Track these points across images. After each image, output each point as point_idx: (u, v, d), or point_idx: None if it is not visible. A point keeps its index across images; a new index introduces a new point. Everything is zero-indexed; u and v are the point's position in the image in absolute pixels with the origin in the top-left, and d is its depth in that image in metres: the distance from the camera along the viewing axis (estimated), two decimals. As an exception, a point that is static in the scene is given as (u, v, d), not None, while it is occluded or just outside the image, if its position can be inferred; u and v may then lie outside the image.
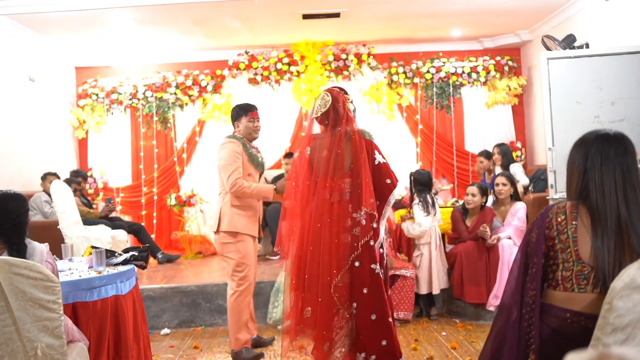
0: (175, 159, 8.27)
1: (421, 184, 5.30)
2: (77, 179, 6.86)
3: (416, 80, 8.25)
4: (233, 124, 4.31)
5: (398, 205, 5.46)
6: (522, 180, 6.58)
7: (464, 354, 4.19)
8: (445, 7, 6.77)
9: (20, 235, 2.66)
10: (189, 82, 8.18)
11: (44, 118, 7.45)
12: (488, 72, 8.18)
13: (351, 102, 3.61)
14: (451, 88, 8.26)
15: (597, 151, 2.08)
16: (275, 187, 4.18)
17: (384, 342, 3.29)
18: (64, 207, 5.83)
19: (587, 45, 5.68)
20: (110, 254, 3.64)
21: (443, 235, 5.52)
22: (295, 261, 3.49)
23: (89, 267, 3.46)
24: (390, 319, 3.34)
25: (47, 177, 6.55)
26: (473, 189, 5.28)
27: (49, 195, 6.08)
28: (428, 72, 8.18)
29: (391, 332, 3.31)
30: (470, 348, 4.33)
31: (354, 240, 3.34)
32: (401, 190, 3.59)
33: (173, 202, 7.86)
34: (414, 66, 8.22)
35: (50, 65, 7.74)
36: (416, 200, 5.24)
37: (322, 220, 3.39)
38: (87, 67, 8.47)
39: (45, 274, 2.44)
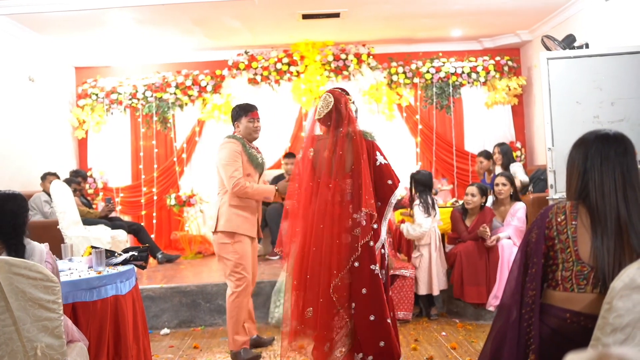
0: (175, 159, 8.27)
1: (422, 184, 5.30)
2: (77, 179, 6.86)
3: (416, 80, 8.25)
4: (233, 124, 4.30)
5: (398, 205, 5.45)
6: (522, 177, 6.59)
7: (464, 354, 4.19)
8: (445, 7, 6.77)
9: (18, 236, 2.66)
10: (188, 82, 8.18)
11: (43, 118, 7.45)
12: (488, 72, 8.18)
13: (353, 102, 3.62)
14: (451, 88, 8.27)
15: (597, 151, 2.08)
16: (276, 188, 4.18)
17: (381, 343, 3.29)
18: (64, 207, 5.83)
19: (587, 46, 5.68)
20: (110, 254, 3.64)
21: (443, 236, 5.52)
22: (297, 261, 3.49)
23: (89, 267, 3.46)
24: (389, 320, 3.33)
25: (47, 177, 6.55)
26: (472, 189, 5.28)
27: (49, 195, 6.08)
28: (428, 72, 8.18)
29: (389, 333, 3.31)
30: (470, 348, 4.33)
31: (354, 241, 3.34)
32: (401, 190, 3.58)
33: (173, 202, 7.86)
34: (413, 66, 8.22)
35: (50, 65, 7.74)
36: (417, 201, 5.24)
37: (325, 221, 3.40)
38: (86, 67, 8.47)
39: (45, 274, 2.44)
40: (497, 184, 5.34)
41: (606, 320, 1.79)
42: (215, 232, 4.18)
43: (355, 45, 8.18)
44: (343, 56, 8.09)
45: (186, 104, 8.26)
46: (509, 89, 8.14)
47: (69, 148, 8.23)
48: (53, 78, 7.83)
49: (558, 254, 2.08)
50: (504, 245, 5.02)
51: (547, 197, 5.18)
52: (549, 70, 5.06)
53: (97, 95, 8.23)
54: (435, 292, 5.19)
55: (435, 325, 5.04)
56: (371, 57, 8.16)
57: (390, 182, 3.45)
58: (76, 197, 6.37)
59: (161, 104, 8.24)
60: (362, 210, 3.34)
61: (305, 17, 6.88)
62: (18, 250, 2.59)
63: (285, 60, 8.09)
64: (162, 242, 7.96)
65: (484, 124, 8.27)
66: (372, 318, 3.30)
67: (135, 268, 3.59)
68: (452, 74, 8.19)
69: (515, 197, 5.35)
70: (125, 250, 3.78)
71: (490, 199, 5.54)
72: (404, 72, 8.21)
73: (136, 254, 3.68)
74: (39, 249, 2.71)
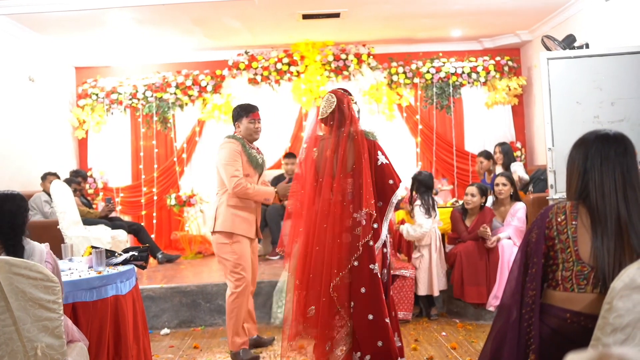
0: (175, 159, 8.27)
1: (424, 185, 5.31)
2: (77, 179, 6.86)
3: (416, 80, 8.25)
4: (234, 124, 4.29)
5: (399, 206, 5.45)
6: (523, 175, 6.61)
7: (464, 354, 4.19)
8: (445, 7, 6.77)
9: (17, 236, 2.65)
10: (188, 82, 8.18)
11: (43, 118, 7.45)
12: (488, 72, 8.18)
13: (355, 103, 3.62)
14: (451, 88, 8.26)
15: (597, 151, 2.08)
16: (276, 190, 4.17)
17: (379, 343, 3.29)
18: (64, 207, 5.83)
19: (587, 46, 5.68)
20: (110, 254, 3.64)
21: (443, 236, 5.52)
22: (300, 261, 3.50)
23: (89, 267, 3.46)
24: (387, 320, 3.33)
25: (47, 177, 6.55)
26: (472, 189, 5.28)
27: (49, 195, 6.08)
28: (428, 72, 8.18)
29: (387, 333, 3.31)
30: (470, 348, 4.33)
31: (355, 240, 3.35)
32: (402, 191, 3.58)
33: (173, 202, 7.86)
34: (413, 66, 8.22)
35: (50, 65, 7.74)
36: (418, 202, 5.24)
37: (328, 221, 3.41)
38: (87, 67, 8.47)
39: (45, 274, 2.44)
40: (497, 184, 5.34)
41: (606, 320, 1.79)
42: (213, 232, 4.18)
43: (356, 45, 8.18)
44: (343, 56, 8.09)
45: (186, 104, 8.26)
46: (509, 89, 8.14)
47: (69, 148, 8.23)
48: (53, 78, 7.83)
49: (558, 254, 2.08)
50: (504, 245, 5.02)
51: (547, 197, 5.18)
52: (549, 71, 5.06)
53: (97, 95, 8.23)
54: (435, 293, 5.19)
55: (436, 325, 5.04)
56: (371, 57, 8.16)
57: (391, 181, 3.46)
58: (76, 197, 6.37)
59: (161, 104, 8.24)
60: (363, 210, 3.35)
61: (305, 17, 6.88)
62: (16, 251, 2.58)
63: (286, 60, 8.09)
64: (162, 242, 7.95)
65: (484, 124, 8.27)
66: (370, 317, 3.30)
67: (136, 268, 3.59)
68: (452, 74, 8.19)
69: (515, 197, 5.35)
70: (126, 250, 3.78)
71: (490, 199, 5.54)
72: (404, 72, 8.21)
73: (136, 254, 3.68)
74: (39, 249, 2.71)
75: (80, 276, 3.22)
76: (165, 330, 5.14)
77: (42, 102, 7.41)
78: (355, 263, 3.33)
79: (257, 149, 4.31)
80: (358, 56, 8.11)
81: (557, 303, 2.06)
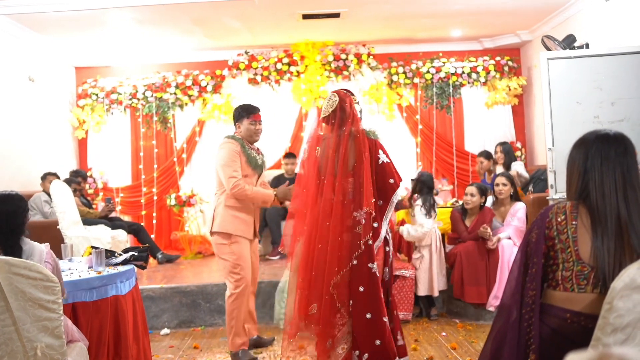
0: (175, 159, 8.27)
1: (427, 186, 5.33)
2: (77, 179, 6.86)
3: (416, 80, 8.24)
4: (234, 124, 4.28)
5: (399, 206, 5.45)
6: (523, 172, 6.62)
7: (464, 354, 4.19)
8: (445, 7, 6.77)
9: (14, 237, 2.65)
10: (188, 82, 8.18)
11: (43, 118, 7.44)
12: (488, 72, 8.18)
13: (357, 103, 3.63)
14: (451, 88, 8.26)
15: (597, 151, 2.08)
16: (275, 193, 4.16)
17: (377, 342, 3.30)
18: (64, 207, 5.83)
19: (587, 46, 5.68)
20: (110, 254, 3.64)
21: (443, 236, 5.52)
22: (303, 259, 3.51)
23: (89, 267, 3.46)
24: (385, 319, 3.34)
25: (47, 177, 6.54)
26: (472, 189, 5.28)
27: (49, 195, 6.08)
28: (428, 72, 8.18)
29: (384, 332, 3.31)
30: (470, 348, 4.33)
31: (356, 238, 3.36)
32: (402, 191, 3.59)
33: (173, 202, 7.86)
34: (413, 66, 8.21)
35: (50, 65, 7.74)
36: (419, 202, 5.24)
37: (330, 219, 3.42)
38: (87, 67, 8.47)
39: (45, 274, 2.44)
40: (497, 184, 5.34)
41: (607, 320, 1.79)
42: (212, 233, 4.18)
43: (356, 45, 8.18)
44: (343, 56, 8.09)
45: (186, 104, 8.26)
46: (509, 89, 8.13)
47: (69, 148, 8.23)
48: (53, 78, 7.83)
49: (558, 253, 2.08)
50: (504, 245, 5.02)
51: (547, 197, 5.18)
52: (549, 71, 5.05)
53: (97, 95, 8.23)
54: (435, 293, 5.19)
55: (436, 325, 5.04)
56: (371, 57, 8.16)
57: (392, 180, 3.46)
58: (76, 197, 6.37)
59: (161, 104, 8.24)
60: (363, 209, 3.35)
61: (305, 17, 6.88)
62: (14, 252, 2.58)
63: (286, 60, 8.09)
64: (162, 242, 7.95)
65: (484, 124, 8.27)
66: (368, 316, 3.31)
67: (135, 268, 3.59)
68: (453, 74, 8.19)
69: (515, 197, 5.35)
70: (125, 251, 3.78)
71: (491, 199, 5.54)
72: (404, 72, 8.21)
73: (136, 254, 3.68)
74: (39, 249, 2.71)
75: (80, 276, 3.22)
76: (165, 331, 5.14)
77: (42, 102, 7.41)
78: (355, 262, 3.34)
79: (257, 149, 4.29)
80: (358, 56, 8.11)
81: (557, 303, 2.06)
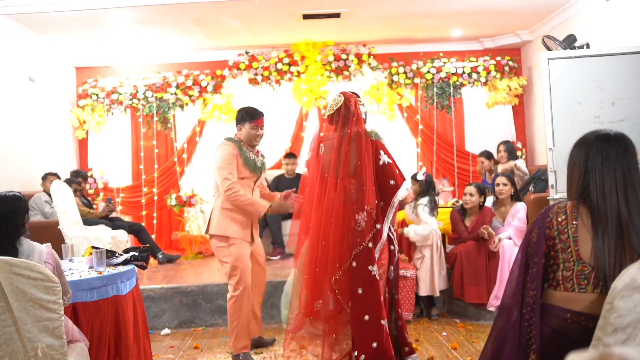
0: (176, 159, 8.27)
1: (432, 186, 5.37)
2: (78, 179, 6.86)
3: (416, 80, 8.25)
4: (236, 125, 4.24)
5: (403, 204, 5.46)
6: (523, 168, 6.63)
7: (465, 354, 4.19)
8: (445, 7, 6.77)
9: (9, 239, 2.64)
10: (189, 82, 8.18)
11: (44, 118, 7.45)
12: (488, 72, 8.18)
13: (362, 105, 3.64)
14: (451, 88, 8.26)
15: (597, 151, 2.08)
16: (270, 205, 4.10)
17: (374, 344, 3.31)
18: (64, 207, 5.82)
19: (588, 46, 5.68)
20: (110, 254, 3.64)
21: (443, 236, 5.52)
22: (308, 257, 3.53)
23: (90, 268, 3.46)
24: (384, 322, 3.35)
25: (48, 177, 6.54)
26: (471, 189, 5.29)
27: (50, 195, 6.08)
28: (428, 72, 8.18)
29: (382, 335, 3.32)
30: (471, 348, 4.33)
31: (357, 236, 3.37)
32: (403, 191, 3.59)
33: (173, 202, 7.86)
34: (414, 66, 8.22)
35: (50, 65, 7.74)
36: (423, 201, 5.25)
37: (332, 218, 3.43)
38: (87, 67, 8.47)
39: (46, 274, 2.44)
40: (498, 184, 5.34)
41: (607, 320, 1.79)
42: (210, 235, 4.17)
43: (356, 45, 8.18)
44: (344, 56, 8.09)
45: (187, 104, 8.26)
46: (510, 89, 8.13)
47: (70, 148, 8.23)
48: (53, 78, 7.83)
49: (559, 253, 2.08)
50: (505, 245, 5.02)
51: (547, 197, 5.17)
52: (550, 71, 5.05)
53: (97, 95, 8.23)
54: (437, 294, 5.19)
55: (436, 325, 5.04)
56: (372, 57, 8.16)
57: (392, 182, 3.46)
58: (77, 198, 6.37)
59: (162, 104, 8.25)
60: (364, 210, 3.36)
61: (305, 17, 6.88)
62: (9, 254, 2.56)
63: (286, 60, 8.09)
64: (162, 242, 7.95)
65: (484, 124, 8.27)
66: (366, 318, 3.33)
67: (136, 268, 3.59)
68: (453, 74, 8.19)
69: (516, 197, 5.35)
70: (126, 251, 3.78)
71: (491, 199, 5.54)
72: (405, 72, 8.21)
73: (137, 254, 3.68)
74: (39, 249, 2.71)
75: (80, 276, 3.22)
76: (166, 331, 5.14)
77: (42, 102, 7.41)
78: (355, 264, 3.35)
79: (257, 151, 4.26)
80: (358, 56, 8.11)
81: (557, 303, 2.06)
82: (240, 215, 4.09)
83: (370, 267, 3.35)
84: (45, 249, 2.74)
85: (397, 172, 3.51)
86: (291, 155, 7.53)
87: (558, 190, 4.92)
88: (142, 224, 7.45)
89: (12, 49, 6.78)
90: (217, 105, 8.04)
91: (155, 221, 8.19)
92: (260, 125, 4.18)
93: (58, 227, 5.77)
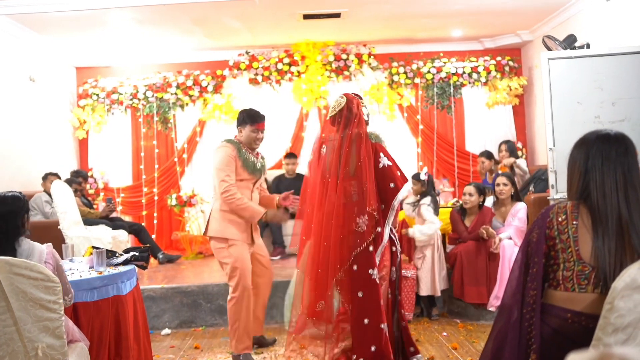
0: (176, 159, 8.27)
1: (433, 186, 5.37)
2: (78, 179, 6.85)
3: (417, 80, 8.25)
4: (237, 127, 4.21)
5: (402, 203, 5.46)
6: (524, 167, 6.63)
7: (465, 355, 4.19)
8: (446, 7, 6.77)
9: (8, 240, 2.64)
10: (189, 82, 8.18)
11: (44, 118, 7.45)
12: (489, 72, 8.18)
13: (365, 106, 3.64)
14: (452, 88, 8.26)
15: (598, 151, 2.08)
16: (265, 213, 4.08)
17: (372, 348, 3.32)
18: (65, 208, 5.82)
19: (588, 46, 5.68)
20: (110, 254, 3.64)
21: (443, 236, 5.52)
22: (310, 257, 3.54)
23: (90, 268, 3.46)
24: (383, 326, 3.35)
25: (48, 177, 6.54)
26: (470, 189, 5.29)
27: (50, 195, 6.08)
28: (429, 72, 8.18)
29: (381, 339, 3.33)
30: (471, 348, 4.33)
31: (357, 237, 3.38)
32: (404, 193, 3.58)
33: (174, 202, 7.86)
34: (414, 66, 8.22)
35: (50, 65, 7.74)
36: (426, 201, 5.25)
37: (334, 220, 3.44)
38: (87, 67, 8.47)
39: (46, 274, 2.44)
40: (498, 184, 5.34)
41: (608, 320, 1.79)
42: (205, 235, 4.16)
43: (356, 45, 8.18)
44: (344, 56, 8.09)
45: (187, 104, 8.27)
46: (510, 89, 8.13)
47: (70, 148, 8.23)
48: (54, 78, 7.83)
49: (559, 253, 2.08)
50: (505, 245, 5.02)
51: (548, 197, 5.17)
52: (550, 71, 5.05)
53: (97, 95, 8.24)
54: (438, 293, 5.19)
55: (436, 325, 5.04)
56: (372, 57, 8.16)
57: (392, 185, 3.45)
58: (77, 198, 6.37)
59: (162, 104, 8.25)
60: (365, 214, 3.36)
61: (306, 17, 6.88)
62: (8, 255, 2.55)
63: (286, 60, 8.09)
64: (163, 242, 7.95)
65: (485, 124, 8.28)
66: (366, 322, 3.33)
67: (136, 268, 3.59)
68: (453, 74, 8.19)
69: (516, 197, 5.35)
70: (126, 251, 3.79)
71: (492, 199, 5.54)
72: (405, 72, 8.22)
73: (137, 254, 3.69)
74: (39, 249, 2.70)
75: (81, 276, 3.22)
76: (166, 331, 5.14)
77: (42, 102, 7.41)
78: (355, 267, 3.36)
79: (257, 153, 4.23)
80: (359, 56, 8.12)
81: (558, 303, 2.06)
82: (238, 218, 4.08)
83: (370, 271, 3.36)
84: (46, 249, 2.73)
85: (399, 174, 3.50)
86: (291, 155, 7.53)
87: (558, 190, 4.92)
88: (143, 224, 7.45)
89: (12, 49, 6.78)
90: (217, 105, 8.04)
91: (155, 221, 8.20)
92: (261, 128, 4.16)
93: (58, 227, 5.77)
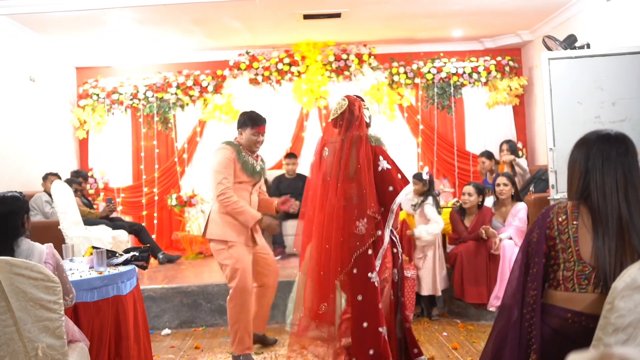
0: (176, 159, 8.27)
1: (432, 185, 5.38)
2: (78, 179, 6.85)
3: (417, 80, 8.25)
4: (237, 129, 4.19)
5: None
6: (524, 165, 6.63)
7: (465, 355, 4.19)
8: (446, 7, 6.77)
9: (10, 239, 2.64)
10: (189, 83, 8.18)
11: (44, 118, 7.45)
12: (489, 73, 8.18)
13: (367, 108, 3.64)
14: (452, 88, 8.26)
15: (598, 151, 2.08)
16: (261, 218, 4.06)
17: (371, 352, 3.32)
18: (65, 208, 5.82)
19: (588, 46, 5.67)
20: (111, 254, 3.64)
21: (443, 236, 5.52)
22: (312, 260, 3.55)
23: (90, 268, 3.46)
24: (381, 329, 3.35)
25: (49, 177, 6.54)
26: (469, 189, 5.30)
27: (50, 195, 6.08)
28: (429, 72, 8.18)
29: (379, 342, 3.33)
30: (472, 348, 4.33)
31: (357, 239, 3.38)
32: (402, 196, 3.57)
33: (174, 202, 7.86)
34: (414, 66, 8.22)
35: (50, 66, 7.74)
36: (430, 201, 5.26)
37: (334, 222, 3.44)
38: (87, 67, 8.47)
39: (46, 274, 2.44)
40: (499, 184, 5.34)
41: (608, 321, 1.79)
42: (203, 236, 4.16)
43: (357, 45, 8.18)
44: (344, 56, 8.09)
45: (187, 104, 8.27)
46: (510, 89, 8.13)
47: (70, 148, 8.23)
48: (54, 78, 7.83)
49: (559, 253, 2.07)
50: (505, 245, 5.02)
51: (548, 198, 5.17)
52: (550, 71, 5.05)
53: (98, 95, 8.24)
54: (438, 293, 5.19)
55: (437, 325, 5.04)
56: (372, 57, 8.16)
57: (391, 188, 3.44)
58: (77, 198, 6.37)
59: (162, 104, 8.25)
60: (364, 217, 3.37)
61: (306, 17, 6.88)
62: (6, 255, 2.55)
63: (287, 60, 8.09)
64: (163, 242, 7.95)
65: (485, 124, 8.28)
66: (364, 325, 3.34)
67: (137, 268, 3.59)
68: (454, 74, 8.19)
69: (516, 197, 5.35)
70: (127, 251, 3.78)
71: (492, 199, 5.54)
72: (405, 72, 8.21)
73: (137, 254, 3.68)
74: (39, 249, 2.70)
75: (81, 276, 3.22)
76: (166, 331, 5.14)
77: (42, 102, 7.41)
78: (355, 271, 3.36)
79: (257, 155, 4.22)
80: (359, 56, 8.11)
81: (558, 303, 2.06)
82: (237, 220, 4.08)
83: (369, 274, 3.36)
84: (46, 249, 2.73)
85: (399, 177, 3.48)
86: (292, 155, 7.53)
87: (559, 190, 4.92)
88: (143, 224, 7.45)
89: (12, 49, 6.78)
90: (217, 106, 8.04)
91: (155, 221, 8.20)
92: (261, 132, 4.14)
93: (58, 227, 5.77)
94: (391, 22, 7.34)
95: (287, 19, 6.94)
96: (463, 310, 5.24)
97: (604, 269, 1.98)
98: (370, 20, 7.20)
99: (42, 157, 7.26)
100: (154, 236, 7.68)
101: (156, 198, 8.20)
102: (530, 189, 6.61)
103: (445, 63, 8.24)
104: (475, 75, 8.20)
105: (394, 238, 3.59)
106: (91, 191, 8.10)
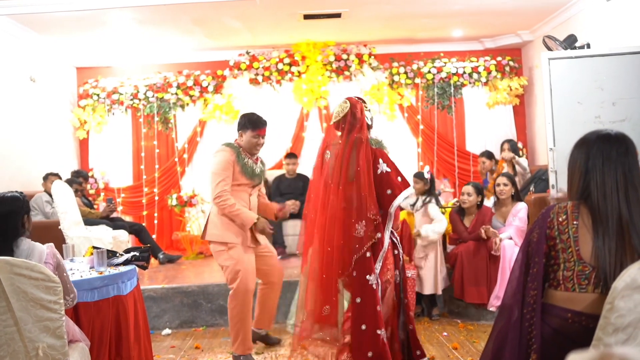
0: (177, 159, 8.28)
1: (433, 185, 5.39)
2: (78, 179, 6.86)
3: (417, 80, 8.25)
4: (238, 131, 4.17)
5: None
6: (524, 165, 6.63)
7: (465, 354, 4.19)
8: (446, 7, 6.77)
9: (10, 239, 2.64)
10: (190, 83, 8.19)
11: (44, 118, 7.45)
12: (489, 73, 8.18)
13: (369, 110, 3.64)
14: (452, 88, 8.26)
15: (598, 151, 2.08)
16: (257, 221, 4.04)
17: (370, 354, 3.32)
18: (65, 208, 5.82)
19: (589, 46, 5.68)
20: (111, 254, 3.64)
21: (443, 236, 5.52)
22: (314, 262, 3.56)
23: (90, 268, 3.46)
24: (380, 332, 3.34)
25: (49, 177, 6.54)
26: (468, 189, 5.30)
27: (50, 195, 6.08)
28: (429, 72, 8.18)
29: (378, 345, 3.33)
30: (472, 348, 4.33)
31: (357, 242, 3.39)
32: (400, 199, 3.56)
33: (174, 202, 7.87)
34: (415, 66, 8.22)
35: (51, 66, 7.74)
36: (434, 201, 5.27)
37: (335, 224, 3.44)
38: (88, 68, 8.48)
39: (46, 274, 2.44)
40: (499, 184, 5.33)
41: (608, 320, 1.79)
42: (202, 238, 4.16)
43: (357, 45, 8.18)
44: (344, 56, 8.09)
45: (187, 104, 8.27)
46: (510, 89, 8.13)
47: (70, 148, 8.24)
48: (54, 78, 7.84)
49: (559, 253, 2.08)
50: (506, 245, 5.02)
51: (548, 197, 5.17)
52: (550, 71, 5.05)
53: (98, 95, 8.24)
54: (439, 292, 5.19)
55: (437, 325, 5.04)
56: (372, 57, 8.16)
57: (389, 191, 3.44)
58: (77, 198, 6.37)
59: (162, 104, 8.25)
60: (366, 216, 3.37)
61: (306, 17, 6.88)
62: (5, 256, 2.54)
63: (287, 60, 8.09)
64: (163, 242, 7.95)
65: (485, 124, 8.28)
66: (363, 327, 3.34)
67: (137, 268, 3.59)
68: (454, 74, 8.20)
69: (516, 197, 5.35)
70: (127, 251, 3.78)
71: (492, 199, 5.54)
72: (405, 73, 8.22)
73: (137, 254, 3.68)
74: (39, 249, 2.70)
75: (81, 276, 3.22)
76: (167, 331, 5.14)
77: (43, 103, 7.42)
78: (354, 273, 3.37)
79: (257, 158, 4.20)
80: (359, 56, 8.12)
81: (558, 303, 2.06)
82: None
83: (368, 277, 3.36)
84: (47, 249, 2.73)
85: (399, 180, 3.48)
86: (292, 155, 7.54)
87: (559, 190, 4.92)
88: (143, 224, 7.45)
89: (12, 49, 6.79)
90: (218, 106, 8.05)
91: (156, 221, 8.20)
92: (262, 134, 4.12)
93: (59, 227, 5.77)
94: (391, 22, 7.34)
95: (287, 19, 6.94)
96: (463, 310, 5.24)
97: (604, 269, 1.98)
98: (370, 20, 7.20)
99: (42, 157, 7.26)
100: (154, 236, 7.68)
101: (156, 198, 8.20)
102: (531, 188, 6.61)
103: (445, 63, 8.25)
104: (475, 75, 8.20)
105: (394, 240, 3.60)
106: (91, 191, 8.11)
